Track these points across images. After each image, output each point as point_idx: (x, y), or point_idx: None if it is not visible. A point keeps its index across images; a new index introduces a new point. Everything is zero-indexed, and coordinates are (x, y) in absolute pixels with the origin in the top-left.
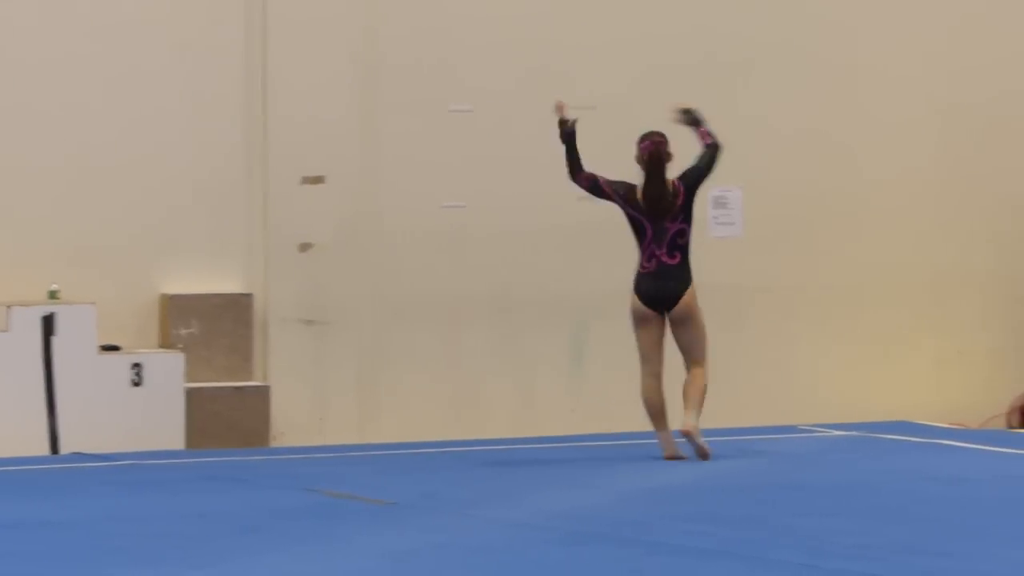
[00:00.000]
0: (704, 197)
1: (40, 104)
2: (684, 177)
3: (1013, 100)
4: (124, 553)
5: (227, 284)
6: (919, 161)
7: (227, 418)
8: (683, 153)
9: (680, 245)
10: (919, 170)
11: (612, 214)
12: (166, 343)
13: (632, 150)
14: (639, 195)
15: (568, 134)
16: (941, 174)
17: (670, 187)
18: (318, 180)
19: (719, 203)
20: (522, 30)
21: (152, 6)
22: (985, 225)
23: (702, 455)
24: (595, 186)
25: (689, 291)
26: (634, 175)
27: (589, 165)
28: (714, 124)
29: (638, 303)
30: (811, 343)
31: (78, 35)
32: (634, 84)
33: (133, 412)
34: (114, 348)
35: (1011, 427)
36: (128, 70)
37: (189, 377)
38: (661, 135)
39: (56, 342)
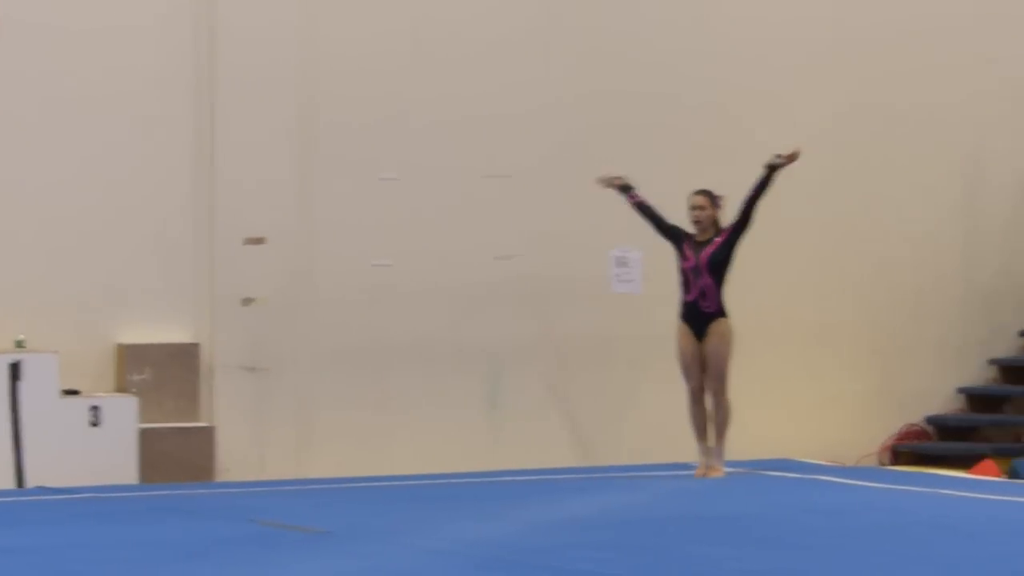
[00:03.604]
0: (606, 256)
1: (8, 175)
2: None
3: (881, 174)
4: None
5: (176, 335)
6: (795, 226)
7: (176, 456)
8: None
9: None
10: (794, 235)
11: (523, 272)
12: (121, 388)
13: (548, 215)
14: None
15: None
16: (814, 238)
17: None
18: (259, 240)
19: (620, 262)
20: (447, 104)
21: (107, 79)
22: (852, 286)
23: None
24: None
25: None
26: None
27: (496, 233)
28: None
29: None
30: None
31: (43, 108)
32: (552, 152)
33: (92, 450)
34: (74, 392)
35: (882, 464)
36: (89, 141)
37: (142, 418)
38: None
39: (22, 387)
